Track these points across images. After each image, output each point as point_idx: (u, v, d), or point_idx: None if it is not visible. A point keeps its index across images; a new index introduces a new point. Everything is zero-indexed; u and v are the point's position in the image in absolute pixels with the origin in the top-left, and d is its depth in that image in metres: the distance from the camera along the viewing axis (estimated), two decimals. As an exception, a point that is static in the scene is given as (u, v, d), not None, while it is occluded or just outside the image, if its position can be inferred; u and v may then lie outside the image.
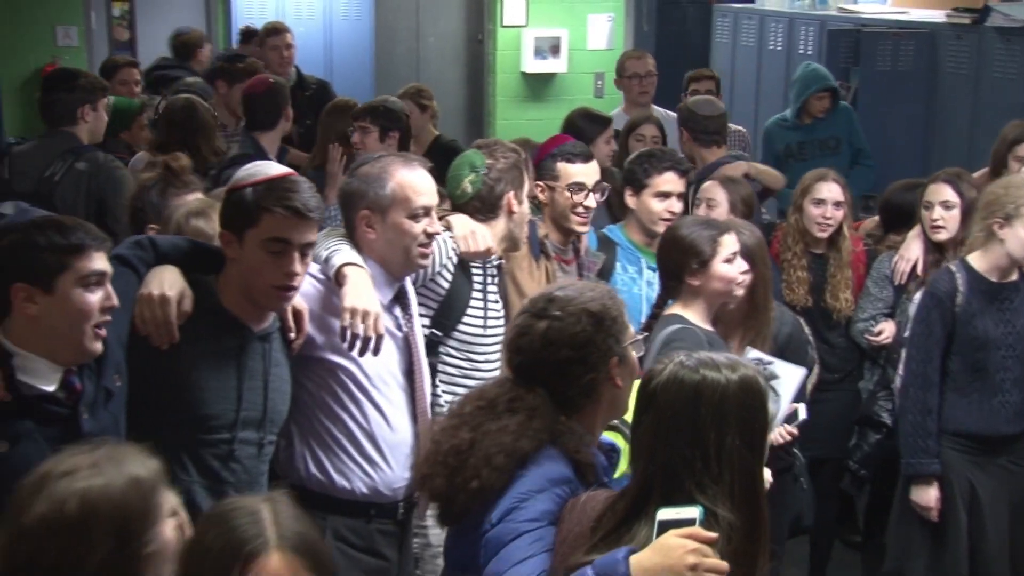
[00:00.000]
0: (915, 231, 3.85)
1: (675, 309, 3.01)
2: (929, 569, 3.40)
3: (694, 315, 2.97)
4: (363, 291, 2.51)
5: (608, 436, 2.29)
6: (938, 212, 3.70)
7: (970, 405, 3.36)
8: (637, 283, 3.57)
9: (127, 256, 2.34)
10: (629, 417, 2.28)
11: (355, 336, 2.46)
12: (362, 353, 2.49)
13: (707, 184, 3.86)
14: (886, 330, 3.84)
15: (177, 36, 6.83)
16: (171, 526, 1.63)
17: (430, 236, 2.69)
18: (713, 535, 1.72)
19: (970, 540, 3.37)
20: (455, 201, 3.10)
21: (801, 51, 6.58)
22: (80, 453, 1.58)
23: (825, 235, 3.86)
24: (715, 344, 2.88)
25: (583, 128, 4.51)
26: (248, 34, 6.85)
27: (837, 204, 3.84)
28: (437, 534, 2.79)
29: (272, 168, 2.45)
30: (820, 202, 3.85)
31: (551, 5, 9.06)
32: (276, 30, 6.11)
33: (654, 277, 3.52)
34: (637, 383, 2.18)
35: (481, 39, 9.37)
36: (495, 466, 1.97)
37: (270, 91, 4.68)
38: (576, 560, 1.81)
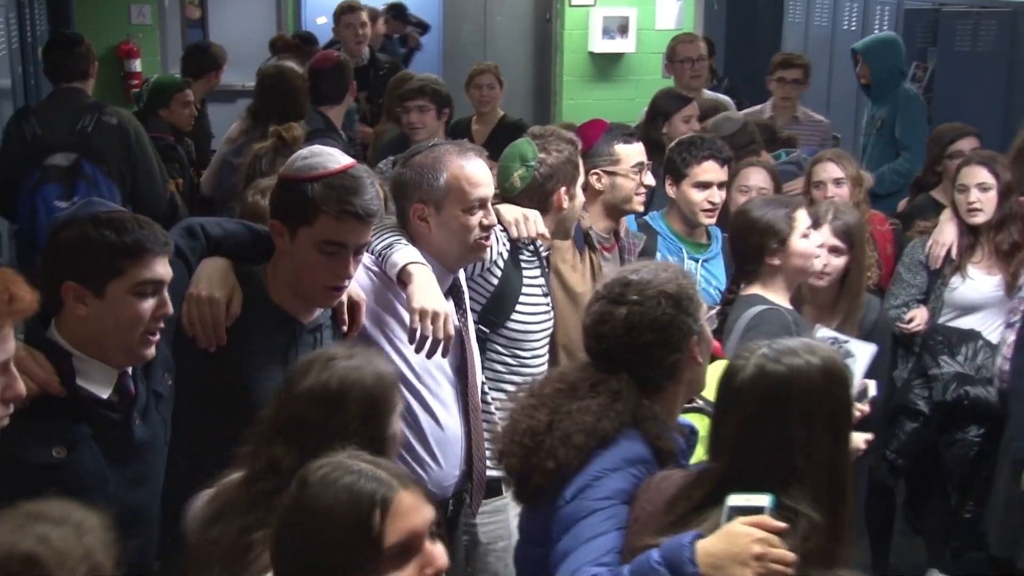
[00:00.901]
0: (947, 214, 3.80)
1: (754, 290, 2.97)
2: None
3: (774, 295, 2.95)
4: (430, 291, 2.43)
5: (688, 418, 2.26)
6: (975, 195, 3.66)
7: None
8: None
9: (180, 246, 2.24)
10: (709, 394, 2.24)
11: (424, 338, 2.38)
12: (431, 355, 2.42)
13: (747, 171, 3.83)
14: (917, 317, 3.79)
15: (388, 8, 7.14)
16: (399, 423, 1.98)
17: (486, 228, 2.60)
18: (781, 524, 1.69)
19: None
20: (504, 194, 2.98)
21: (876, 31, 6.43)
22: (341, 348, 1.99)
23: None
24: (799, 323, 2.87)
25: (662, 105, 4.48)
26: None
27: (836, 181, 3.82)
28: (487, 532, 2.80)
29: (335, 159, 2.31)
30: (819, 184, 3.84)
31: (621, -14, 9.03)
32: (351, 8, 6.10)
33: (696, 267, 3.49)
34: (719, 364, 2.15)
35: (549, 18, 9.31)
36: (574, 445, 1.96)
37: (337, 66, 4.73)
38: (644, 542, 1.80)
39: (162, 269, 2.01)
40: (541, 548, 2.00)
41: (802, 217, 2.98)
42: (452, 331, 2.44)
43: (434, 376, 2.58)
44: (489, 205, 2.63)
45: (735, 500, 1.74)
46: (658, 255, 3.46)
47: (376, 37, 6.87)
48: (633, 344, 2.03)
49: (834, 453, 1.78)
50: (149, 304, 1.99)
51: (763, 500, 1.72)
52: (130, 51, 8.20)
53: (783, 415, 1.76)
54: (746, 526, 1.70)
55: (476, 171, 2.59)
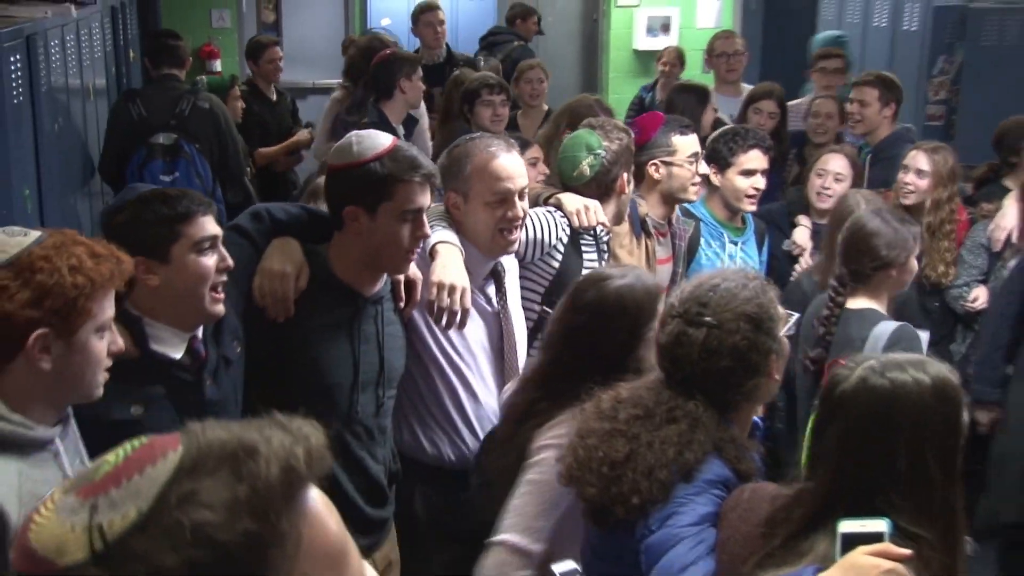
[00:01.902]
0: (1011, 199, 3.72)
1: (864, 302, 2.83)
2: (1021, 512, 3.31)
3: (880, 306, 2.84)
4: (451, 266, 2.39)
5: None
6: None
7: None
8: (720, 257, 3.49)
9: (246, 228, 2.27)
10: None
11: (442, 310, 2.35)
12: (448, 327, 2.39)
13: (827, 156, 3.82)
14: (980, 296, 3.74)
15: (511, 9, 7.31)
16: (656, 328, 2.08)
17: (511, 221, 2.51)
18: (907, 552, 1.49)
19: None
20: (570, 183, 2.94)
21: (905, 27, 6.33)
22: (614, 268, 2.38)
23: (907, 201, 3.76)
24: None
25: (685, 103, 4.50)
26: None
27: (919, 172, 3.76)
28: None
29: (382, 137, 2.30)
30: (905, 168, 3.80)
31: (664, -14, 8.94)
32: (430, 7, 6.06)
33: (736, 251, 3.48)
34: None
35: (596, 18, 9.27)
36: (658, 479, 1.79)
37: (384, 61, 4.76)
38: (751, 572, 1.60)
39: (212, 226, 2.05)
40: (613, 566, 1.87)
41: (918, 240, 2.92)
42: (468, 305, 2.38)
43: (474, 354, 2.56)
44: (515, 198, 2.51)
45: (848, 527, 1.51)
46: (701, 240, 3.46)
47: (530, 32, 7.04)
48: (711, 370, 1.82)
49: (945, 476, 1.57)
50: (212, 259, 2.03)
51: (880, 525, 1.51)
52: (211, 52, 8.33)
53: (887, 432, 1.55)
54: (871, 556, 1.48)
55: (502, 165, 2.49)
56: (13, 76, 3.10)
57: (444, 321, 2.38)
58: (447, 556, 2.54)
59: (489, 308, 2.59)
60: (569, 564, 1.90)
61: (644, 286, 2.18)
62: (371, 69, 4.78)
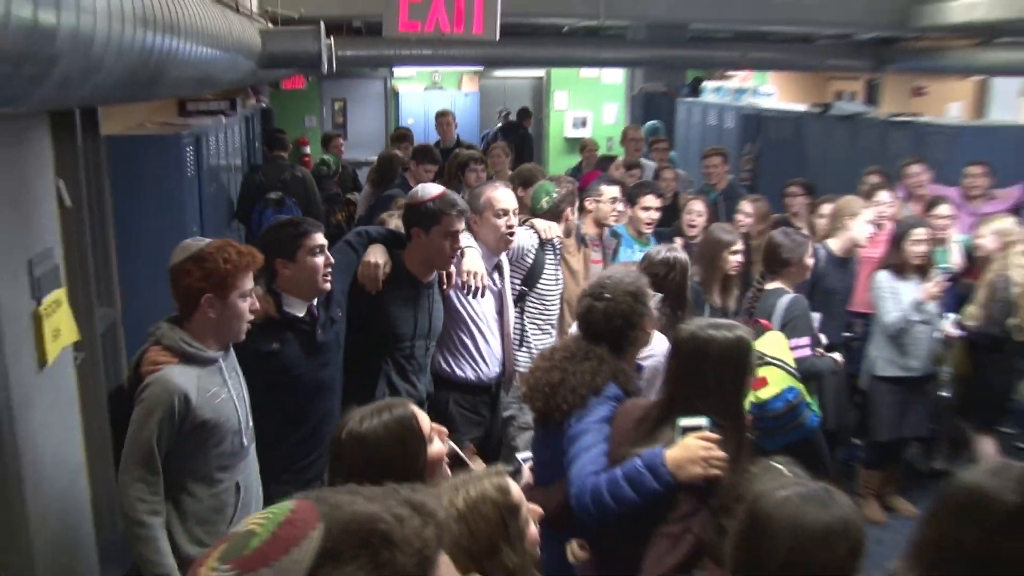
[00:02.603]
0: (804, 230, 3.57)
1: (777, 284, 2.89)
2: None
3: (788, 287, 2.89)
4: (474, 260, 2.50)
5: (761, 371, 2.17)
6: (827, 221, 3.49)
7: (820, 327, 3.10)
8: (633, 259, 3.53)
9: (352, 241, 2.35)
10: (768, 350, 2.32)
11: (469, 286, 2.47)
12: (474, 296, 2.50)
13: (692, 202, 3.82)
14: None
15: (520, 110, 7.72)
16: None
17: (509, 227, 2.62)
18: (717, 436, 1.61)
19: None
20: (537, 212, 3.09)
21: (726, 126, 6.66)
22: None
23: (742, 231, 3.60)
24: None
25: (603, 164, 4.93)
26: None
27: (747, 214, 3.73)
28: (507, 406, 2.86)
29: (433, 188, 2.38)
30: (738, 210, 3.81)
31: (583, 98, 9.26)
32: (443, 113, 6.13)
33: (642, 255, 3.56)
34: (770, 335, 2.25)
35: (541, 118, 9.57)
36: (579, 395, 1.83)
37: (413, 151, 5.05)
38: (625, 452, 1.68)
39: (321, 239, 2.10)
40: (550, 451, 1.89)
41: (810, 247, 2.94)
42: (486, 282, 2.49)
43: (486, 315, 2.64)
44: (511, 214, 2.60)
45: (684, 422, 1.63)
46: (623, 249, 3.49)
47: (529, 124, 7.45)
48: (609, 327, 1.89)
49: (736, 394, 1.67)
50: (321, 258, 2.10)
51: (702, 421, 1.62)
52: (304, 142, 8.53)
53: (703, 365, 1.64)
54: (695, 439, 1.61)
55: (500, 194, 2.63)
56: (188, 159, 3.41)
57: (471, 294, 2.48)
58: (471, 436, 2.62)
59: (494, 287, 2.65)
60: (527, 452, 1.97)
61: (683, 259, 2.35)
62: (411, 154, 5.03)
